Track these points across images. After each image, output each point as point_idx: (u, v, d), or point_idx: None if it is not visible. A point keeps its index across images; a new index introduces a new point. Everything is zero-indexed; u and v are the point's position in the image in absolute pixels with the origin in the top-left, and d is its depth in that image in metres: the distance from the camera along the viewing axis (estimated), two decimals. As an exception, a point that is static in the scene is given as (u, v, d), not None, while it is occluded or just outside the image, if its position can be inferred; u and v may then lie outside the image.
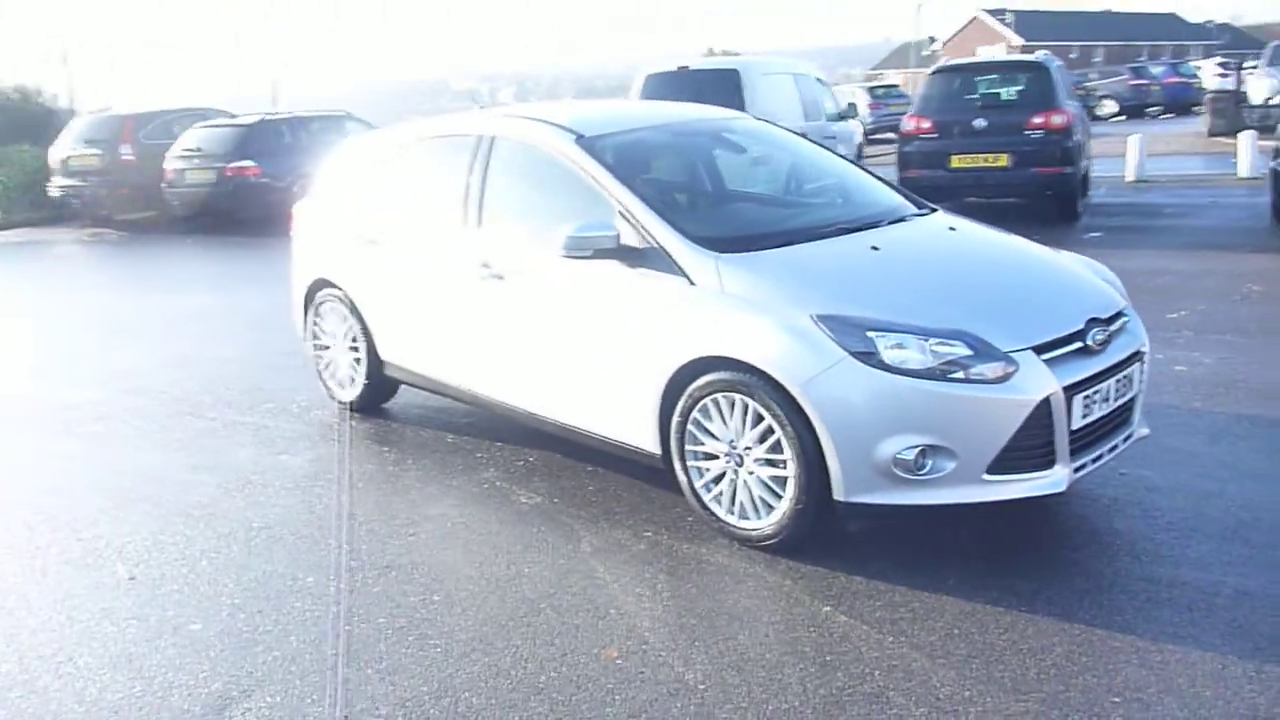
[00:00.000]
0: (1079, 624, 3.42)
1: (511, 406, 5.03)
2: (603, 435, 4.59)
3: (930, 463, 3.68)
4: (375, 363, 5.80)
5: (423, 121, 5.95)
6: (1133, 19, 66.32)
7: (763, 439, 3.94)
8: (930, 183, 10.84)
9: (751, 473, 4.02)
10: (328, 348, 6.15)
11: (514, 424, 5.26)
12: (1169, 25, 66.19)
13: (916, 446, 3.66)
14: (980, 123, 11.41)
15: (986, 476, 3.71)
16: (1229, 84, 25.21)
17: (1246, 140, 14.69)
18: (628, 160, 4.74)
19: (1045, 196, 11.49)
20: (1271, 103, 22.51)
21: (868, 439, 3.69)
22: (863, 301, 3.91)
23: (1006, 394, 3.65)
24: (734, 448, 4.05)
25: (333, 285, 5.93)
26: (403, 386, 5.93)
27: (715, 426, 4.09)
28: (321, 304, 6.06)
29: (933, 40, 62.35)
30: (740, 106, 9.93)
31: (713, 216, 4.77)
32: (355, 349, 5.90)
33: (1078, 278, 4.41)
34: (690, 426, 4.16)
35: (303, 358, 6.71)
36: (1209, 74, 31.95)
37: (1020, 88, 11.56)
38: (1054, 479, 3.78)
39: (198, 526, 4.60)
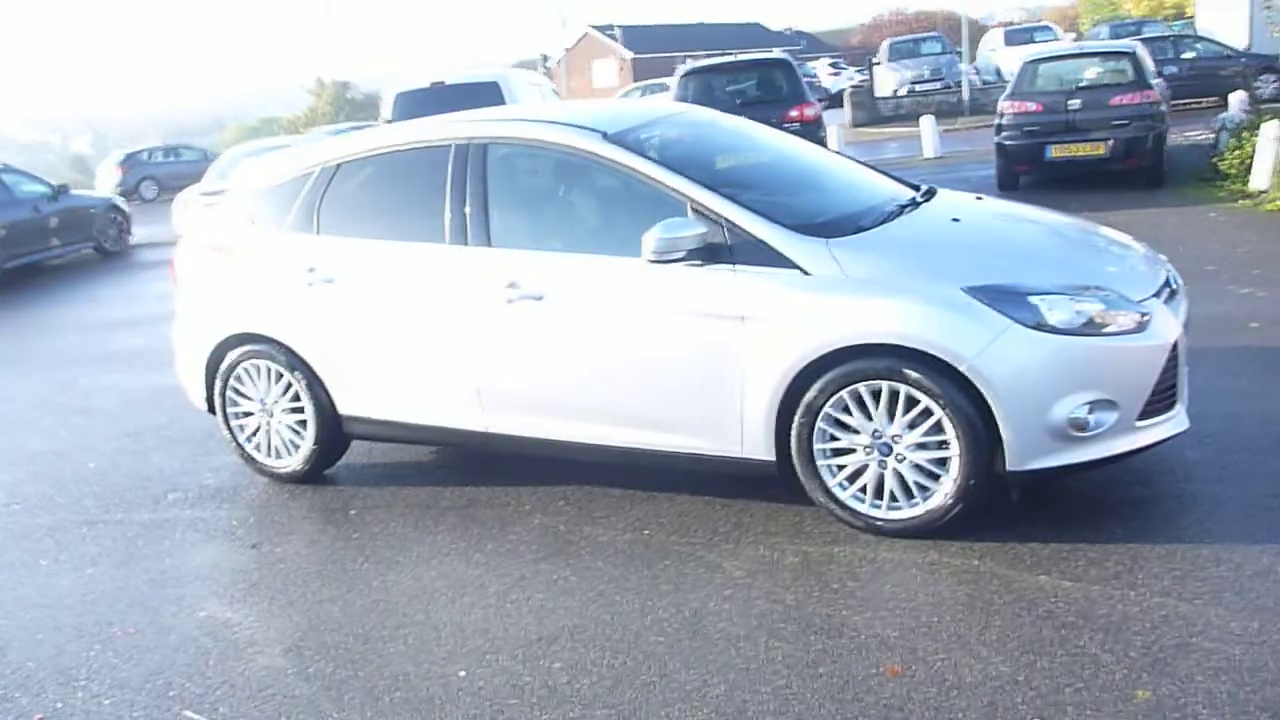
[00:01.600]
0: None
1: (549, 440, 4.51)
2: (692, 452, 4.23)
3: (1097, 417, 3.72)
4: (329, 421, 4.99)
5: (346, 139, 5.20)
6: (723, 29, 71.84)
7: (915, 423, 3.81)
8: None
9: (902, 459, 3.88)
10: (249, 414, 5.21)
11: (502, 462, 4.85)
12: (754, 33, 72.42)
13: (1087, 404, 3.69)
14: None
15: (1138, 423, 3.81)
16: (865, 80, 28.00)
17: (929, 124, 16.38)
18: (672, 154, 4.42)
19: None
20: (899, 94, 25.35)
21: (1041, 404, 3.67)
22: (998, 270, 3.90)
23: (1150, 340, 3.78)
24: (877, 438, 3.89)
25: (258, 339, 5.04)
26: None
27: (854, 419, 3.90)
28: (239, 363, 5.13)
29: (546, 58, 64.25)
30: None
31: (783, 204, 4.56)
32: (297, 409, 5.04)
33: (1110, 239, 4.64)
34: (821, 424, 3.94)
35: (159, 436, 5.71)
36: (824, 74, 35.37)
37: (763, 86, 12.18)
38: (1181, 417, 3.97)
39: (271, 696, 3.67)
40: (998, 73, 26.33)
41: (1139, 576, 3.50)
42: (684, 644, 3.40)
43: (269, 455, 5.23)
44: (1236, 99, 13.80)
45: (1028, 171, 11.67)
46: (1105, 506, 4.04)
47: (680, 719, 3.02)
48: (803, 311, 3.87)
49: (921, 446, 3.83)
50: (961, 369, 3.67)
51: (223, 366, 5.18)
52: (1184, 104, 17.25)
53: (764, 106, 11.84)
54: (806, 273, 3.90)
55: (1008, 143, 11.66)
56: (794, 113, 11.81)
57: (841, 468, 3.99)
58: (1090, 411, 3.69)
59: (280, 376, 5.04)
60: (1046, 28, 29.77)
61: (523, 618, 3.68)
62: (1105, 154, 11.13)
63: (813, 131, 11.88)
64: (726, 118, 5.47)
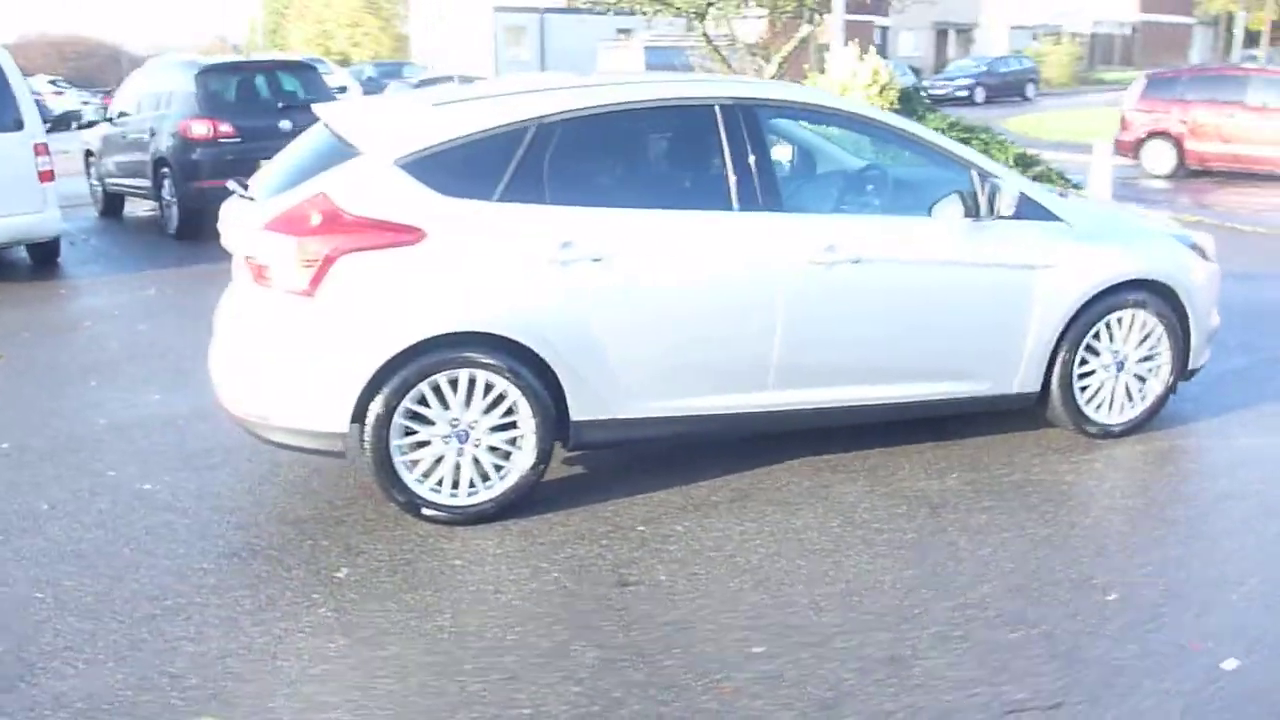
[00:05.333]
0: None
1: (829, 407, 4.48)
2: (968, 395, 4.66)
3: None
4: (556, 433, 4.14)
5: (567, 93, 4.23)
6: None
7: (1142, 341, 4.85)
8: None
9: (1131, 373, 4.88)
10: (424, 444, 4.00)
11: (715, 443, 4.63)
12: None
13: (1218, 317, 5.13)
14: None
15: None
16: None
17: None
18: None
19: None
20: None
21: (1208, 316, 5.00)
22: (1153, 225, 5.13)
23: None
24: (1117, 357, 4.83)
25: (464, 342, 3.93)
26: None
27: (1103, 344, 4.78)
28: (427, 377, 3.91)
29: None
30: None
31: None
32: (506, 425, 4.06)
33: None
34: (1081, 353, 4.74)
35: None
36: (47, 91, 31.03)
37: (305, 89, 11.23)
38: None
39: None
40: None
41: None
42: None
43: (451, 493, 4.06)
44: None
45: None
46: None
47: None
48: (1079, 257, 4.64)
49: (1147, 358, 4.86)
50: (1180, 294, 4.81)
51: (390, 388, 3.88)
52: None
53: (306, 112, 10.93)
54: (1071, 225, 4.67)
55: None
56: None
57: (1084, 389, 4.83)
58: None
59: (489, 388, 3.99)
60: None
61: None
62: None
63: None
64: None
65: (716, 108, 4.26)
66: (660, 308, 4.14)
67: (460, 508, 4.08)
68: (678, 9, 13.39)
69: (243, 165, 10.28)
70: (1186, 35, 53.13)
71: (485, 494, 4.10)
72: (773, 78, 14.04)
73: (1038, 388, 4.72)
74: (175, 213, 10.62)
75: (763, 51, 13.90)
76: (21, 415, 5.47)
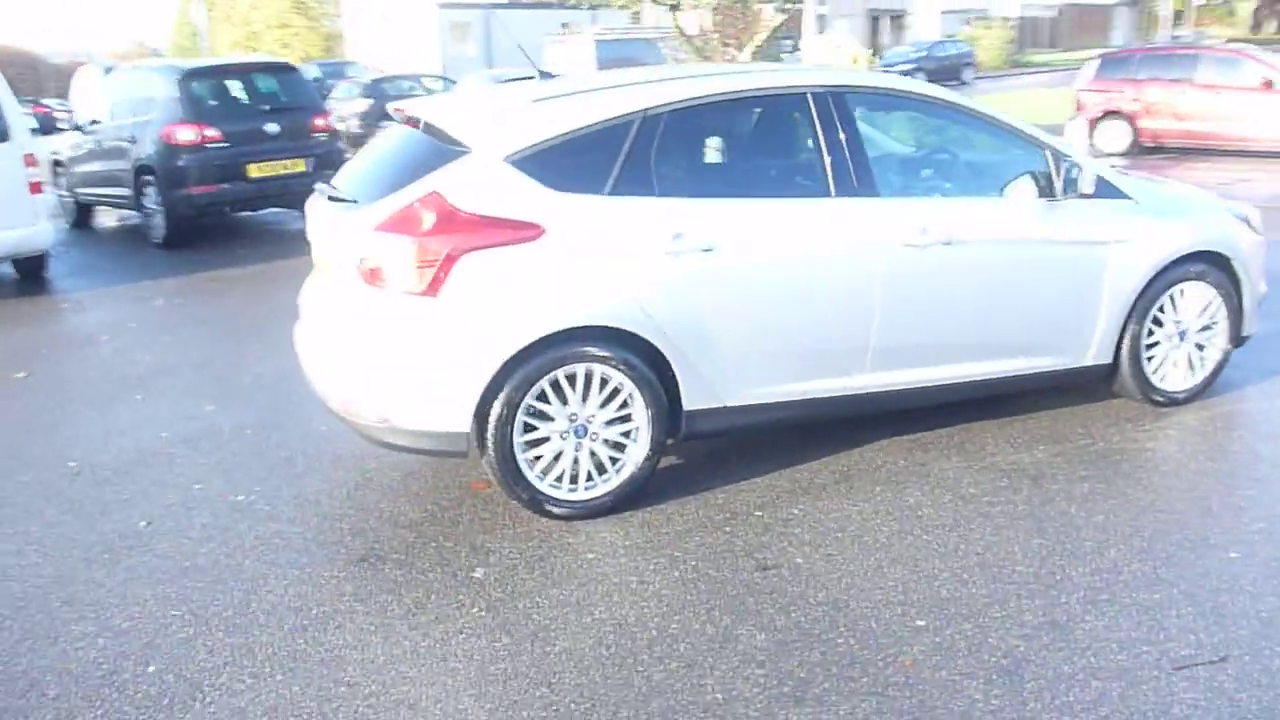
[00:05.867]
0: None
1: (922, 387, 4.57)
2: (1045, 370, 4.79)
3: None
4: (669, 425, 4.17)
5: (668, 85, 4.27)
6: None
7: (1203, 311, 5.02)
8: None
9: (1192, 343, 5.04)
10: (544, 440, 4.01)
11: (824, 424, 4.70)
12: None
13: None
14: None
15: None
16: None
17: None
18: None
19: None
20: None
21: (1257, 284, 5.19)
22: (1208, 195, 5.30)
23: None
24: (1179, 327, 4.99)
25: (582, 336, 3.93)
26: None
27: (1167, 315, 4.94)
28: (546, 374, 3.92)
29: None
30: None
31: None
32: (622, 418, 4.08)
33: None
34: (1149, 324, 4.89)
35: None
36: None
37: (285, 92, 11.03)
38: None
39: None
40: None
41: None
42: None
43: (570, 488, 4.08)
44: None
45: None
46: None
47: None
48: (1147, 232, 4.79)
49: (1206, 328, 5.03)
50: (1235, 265, 4.99)
51: (510, 386, 3.88)
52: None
53: (290, 114, 10.79)
54: (1138, 202, 4.82)
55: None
56: (319, 121, 10.98)
57: (1150, 359, 4.98)
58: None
59: (605, 381, 4.01)
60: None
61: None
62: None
63: (336, 144, 11.23)
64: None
65: (809, 95, 4.32)
66: (766, 295, 4.19)
67: (581, 502, 4.09)
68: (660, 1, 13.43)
69: (231, 170, 10.25)
70: (1109, 16, 54.56)
71: (603, 488, 4.11)
72: (745, 67, 14.17)
73: (1110, 359, 4.87)
74: (162, 221, 10.38)
75: (735, 41, 13.99)
76: (78, 433, 5.34)
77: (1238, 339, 5.13)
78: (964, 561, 3.71)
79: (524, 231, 3.86)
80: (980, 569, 3.66)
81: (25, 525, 4.26)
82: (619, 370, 4.00)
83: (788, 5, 14.32)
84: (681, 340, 4.06)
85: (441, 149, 4.06)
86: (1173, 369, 5.03)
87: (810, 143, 4.30)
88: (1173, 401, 5.06)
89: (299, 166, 10.66)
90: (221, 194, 10.32)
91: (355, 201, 4.14)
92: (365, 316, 3.96)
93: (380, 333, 3.93)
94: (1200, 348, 5.06)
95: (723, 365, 4.16)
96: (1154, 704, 2.91)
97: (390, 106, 4.64)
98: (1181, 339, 5.00)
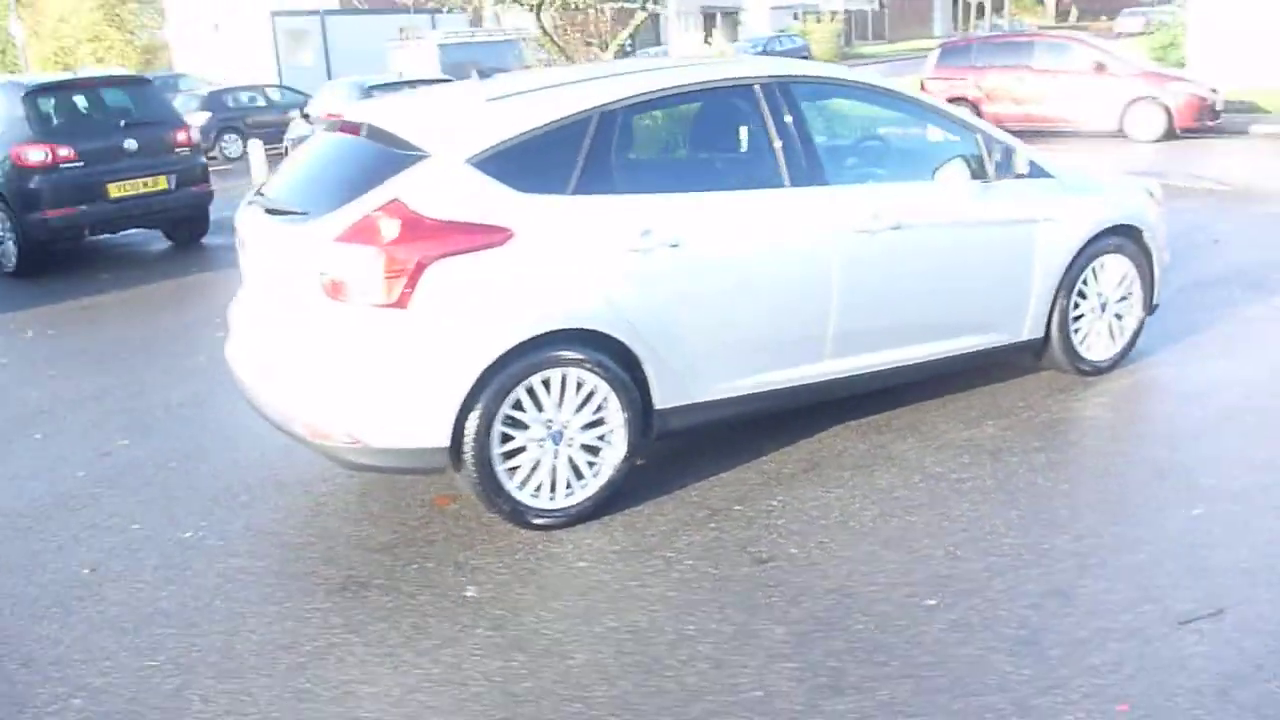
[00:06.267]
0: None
1: (876, 371, 4.65)
2: (983, 347, 4.93)
3: (1163, 262, 5.69)
4: (645, 423, 4.12)
5: (621, 80, 4.20)
6: None
7: (1120, 282, 5.27)
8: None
9: (1111, 313, 5.29)
10: (520, 450, 3.89)
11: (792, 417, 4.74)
12: None
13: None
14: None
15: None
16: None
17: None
18: None
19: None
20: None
21: (1163, 252, 5.46)
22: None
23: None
24: (1101, 299, 5.23)
25: (557, 340, 3.84)
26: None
27: (1090, 288, 5.16)
28: (522, 380, 3.81)
29: None
30: None
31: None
32: (596, 423, 4.01)
33: None
34: (1075, 297, 5.11)
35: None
36: None
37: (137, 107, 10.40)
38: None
39: None
40: None
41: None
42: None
43: (550, 496, 3.97)
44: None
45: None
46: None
47: None
48: (1072, 209, 5.00)
49: (1124, 298, 5.28)
50: (1145, 237, 5.26)
51: (486, 396, 3.75)
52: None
53: (148, 129, 10.19)
54: (1060, 180, 5.02)
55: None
56: (180, 136, 10.41)
57: (1076, 331, 5.20)
58: (1164, 257, 5.64)
59: (580, 385, 3.93)
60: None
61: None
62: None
63: (199, 159, 10.70)
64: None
65: (756, 86, 4.33)
66: (732, 287, 4.18)
67: (562, 510, 3.99)
68: (521, 2, 13.26)
69: (90, 190, 9.62)
70: (929, 7, 57.07)
71: (582, 494, 4.02)
72: (611, 66, 14.16)
73: (1043, 333, 5.06)
74: (14, 248, 9.65)
75: (599, 40, 13.97)
76: (-23, 480, 4.89)
77: (1150, 307, 5.41)
78: (953, 539, 3.79)
79: (493, 235, 3.74)
80: (970, 544, 3.74)
81: (-52, 585, 3.88)
82: (592, 372, 3.92)
83: (648, 5, 14.36)
84: (652, 338, 4.01)
85: (394, 154, 3.89)
86: (1096, 339, 5.26)
87: (763, 134, 4.31)
88: (1098, 371, 5.30)
89: (161, 184, 10.08)
90: (81, 216, 9.64)
91: (305, 213, 3.92)
92: (329, 333, 3.76)
93: (347, 349, 3.74)
94: (1119, 317, 5.31)
95: (692, 361, 4.13)
96: (1170, 659, 3.03)
97: (320, 112, 4.42)
98: (1103, 310, 5.24)
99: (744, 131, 4.40)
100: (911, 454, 4.53)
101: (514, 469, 3.90)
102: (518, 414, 3.85)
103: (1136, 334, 5.38)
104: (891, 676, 3.02)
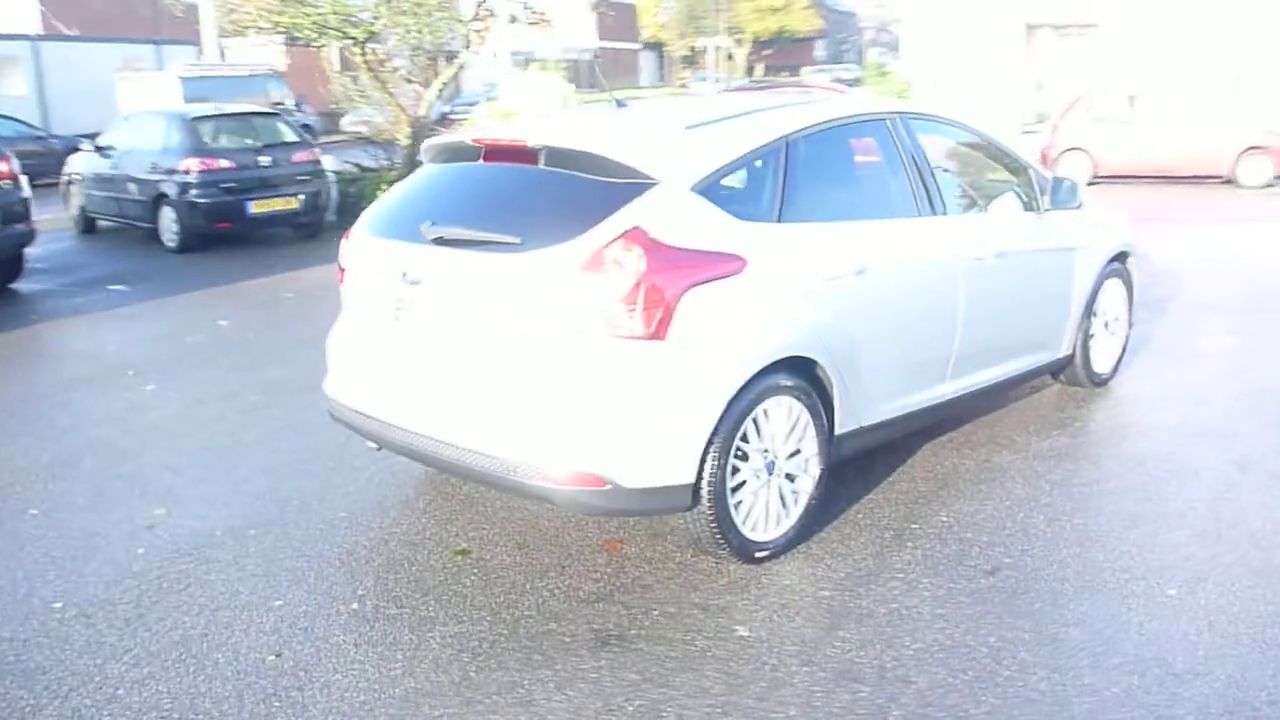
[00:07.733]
0: None
1: (975, 390, 4.93)
2: (1035, 367, 5.37)
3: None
4: (831, 449, 4.15)
5: (796, 111, 4.32)
6: None
7: (1115, 301, 5.89)
8: None
9: (1109, 329, 5.90)
10: (744, 483, 3.82)
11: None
12: None
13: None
14: None
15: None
16: None
17: None
18: None
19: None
20: None
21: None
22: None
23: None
24: (1105, 316, 5.81)
25: (780, 369, 3.82)
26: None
27: (1099, 307, 5.73)
28: (752, 409, 3.75)
29: None
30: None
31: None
32: (795, 452, 4.01)
33: None
34: (1094, 316, 5.68)
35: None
36: None
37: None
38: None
39: None
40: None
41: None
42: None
43: (765, 527, 3.92)
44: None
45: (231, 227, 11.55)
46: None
47: None
48: (1095, 235, 5.57)
49: (1117, 316, 5.91)
50: (1130, 258, 5.92)
51: (726, 427, 3.67)
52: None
53: None
54: (1087, 211, 5.57)
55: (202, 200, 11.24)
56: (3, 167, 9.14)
57: (1091, 346, 5.75)
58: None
59: (789, 412, 3.92)
60: None
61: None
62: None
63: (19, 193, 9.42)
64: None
65: (888, 122, 4.53)
66: (898, 313, 4.35)
67: (772, 541, 3.95)
68: (341, 34, 12.68)
69: None
70: (636, 60, 59.70)
71: (786, 524, 4.00)
72: (430, 105, 13.85)
73: (1072, 350, 5.57)
74: None
75: (420, 78, 13.63)
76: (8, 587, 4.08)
77: (1130, 320, 6.08)
78: (1127, 536, 4.11)
79: (731, 264, 3.67)
80: (1134, 548, 4.07)
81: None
82: (799, 400, 3.92)
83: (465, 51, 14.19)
84: (840, 364, 4.06)
85: (614, 182, 3.70)
86: (1103, 353, 5.84)
87: (907, 165, 4.51)
88: (1104, 382, 5.88)
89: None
90: None
91: (518, 243, 3.65)
92: (571, 369, 3.52)
93: (596, 384, 3.52)
94: (1113, 334, 5.93)
95: (865, 386, 4.22)
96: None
97: (470, 137, 4.12)
98: (1106, 328, 5.83)
99: (892, 162, 4.55)
100: (1015, 464, 4.83)
101: (739, 503, 3.81)
102: (744, 445, 3.78)
103: (1125, 348, 6.02)
104: (1134, 689, 3.22)
